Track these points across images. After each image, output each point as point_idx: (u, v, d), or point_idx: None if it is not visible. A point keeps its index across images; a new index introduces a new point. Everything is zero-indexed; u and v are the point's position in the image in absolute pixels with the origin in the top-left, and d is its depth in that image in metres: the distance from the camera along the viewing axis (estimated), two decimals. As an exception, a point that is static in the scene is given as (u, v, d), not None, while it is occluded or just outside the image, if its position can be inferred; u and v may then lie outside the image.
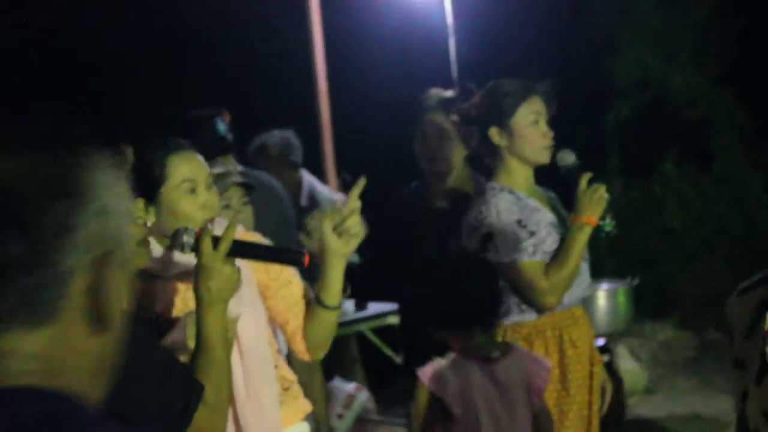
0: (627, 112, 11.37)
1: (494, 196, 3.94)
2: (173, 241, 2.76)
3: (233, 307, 2.97)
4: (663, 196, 10.84)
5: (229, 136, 5.10)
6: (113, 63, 12.30)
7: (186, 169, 3.00)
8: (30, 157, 1.20)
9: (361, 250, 6.63)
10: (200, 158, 3.07)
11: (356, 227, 2.98)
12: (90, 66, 12.40)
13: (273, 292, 3.13)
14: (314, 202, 6.28)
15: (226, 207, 3.83)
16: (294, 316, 3.13)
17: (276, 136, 6.37)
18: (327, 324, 3.10)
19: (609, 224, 3.91)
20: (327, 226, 2.96)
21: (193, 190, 2.97)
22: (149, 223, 3.00)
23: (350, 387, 6.19)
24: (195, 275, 2.63)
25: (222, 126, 5.07)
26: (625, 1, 11.26)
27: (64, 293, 1.21)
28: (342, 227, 2.97)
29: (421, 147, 4.53)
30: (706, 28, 11.23)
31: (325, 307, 3.04)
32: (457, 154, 4.49)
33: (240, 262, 3.01)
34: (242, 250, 2.70)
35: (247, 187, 3.94)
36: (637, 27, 11.29)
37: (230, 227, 2.66)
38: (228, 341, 2.77)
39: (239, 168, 5.13)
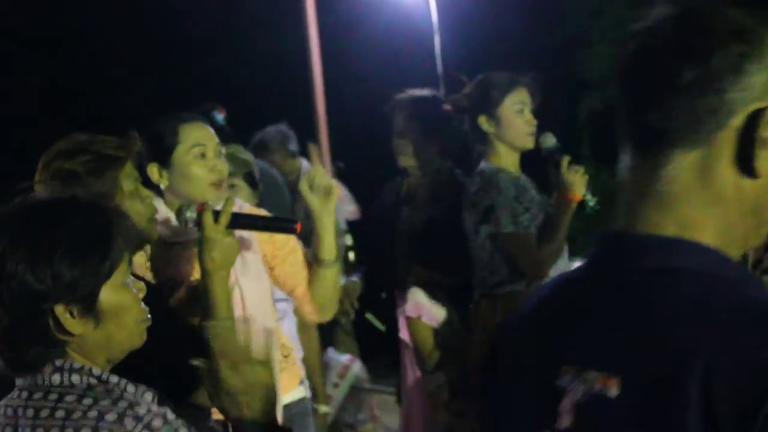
0: (597, 103, 11.41)
1: (495, 174, 4.01)
2: (177, 218, 2.81)
3: (239, 274, 3.02)
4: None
5: (228, 128, 5.10)
6: (113, 65, 12.26)
7: (196, 135, 3.06)
8: None
9: (353, 233, 6.66)
10: (209, 128, 3.12)
11: (323, 180, 3.05)
12: (92, 66, 12.36)
13: (280, 260, 3.17)
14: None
15: (232, 187, 3.85)
16: (301, 281, 3.18)
17: (271, 130, 6.38)
18: (328, 281, 3.14)
19: (592, 199, 3.98)
20: (304, 188, 3.05)
21: (203, 155, 3.04)
22: (163, 187, 3.05)
23: (344, 358, 6.21)
24: (198, 247, 2.68)
25: (219, 117, 5.08)
26: (596, 3, 11.29)
27: (727, 124, 1.26)
28: (314, 184, 3.03)
29: (401, 147, 4.51)
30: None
31: (322, 263, 3.07)
32: (433, 150, 4.48)
33: (246, 234, 3.06)
34: (240, 221, 2.76)
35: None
36: (608, 26, 11.33)
37: (228, 202, 2.72)
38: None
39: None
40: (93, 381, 1.78)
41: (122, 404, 1.75)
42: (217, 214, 2.69)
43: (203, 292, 2.69)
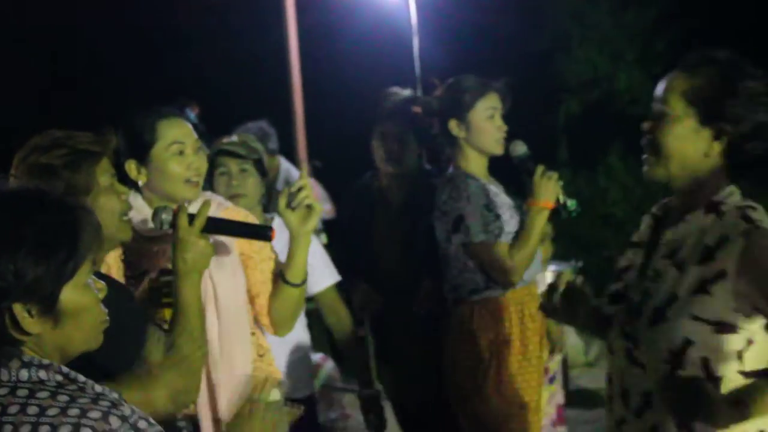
0: (576, 108, 11.43)
1: (463, 181, 3.97)
2: (153, 219, 2.78)
3: (213, 269, 2.99)
4: (607, 186, 10.92)
5: (200, 126, 5.09)
6: (91, 60, 12.19)
7: (175, 132, 3.03)
8: None
9: (328, 232, 6.64)
10: (188, 125, 3.08)
11: (307, 200, 2.98)
12: (77, 65, 12.29)
13: (254, 263, 3.15)
14: (289, 185, 6.28)
15: (223, 174, 3.82)
16: (265, 291, 3.14)
17: (252, 127, 6.36)
18: (290, 300, 3.09)
19: (573, 203, 3.97)
20: (281, 205, 3.00)
21: (181, 152, 3.01)
22: (141, 183, 3.03)
23: (317, 357, 6.19)
24: (173, 248, 2.65)
25: (191, 115, 5.06)
26: (578, 6, 11.31)
27: None
28: (295, 202, 2.98)
29: (381, 148, 4.48)
30: (652, 32, 11.31)
31: (288, 283, 3.05)
32: (413, 154, 4.47)
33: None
34: (215, 226, 2.73)
35: (242, 157, 3.89)
36: (588, 31, 11.36)
37: (204, 205, 2.69)
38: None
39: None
40: (60, 378, 1.73)
41: (104, 403, 1.70)
42: (192, 217, 2.67)
43: (174, 294, 2.66)
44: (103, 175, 2.62)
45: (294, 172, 6.53)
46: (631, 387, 2.50)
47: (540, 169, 3.90)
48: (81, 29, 12.11)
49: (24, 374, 1.71)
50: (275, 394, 3.30)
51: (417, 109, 4.29)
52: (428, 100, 4.20)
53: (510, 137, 4.07)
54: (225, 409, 3.01)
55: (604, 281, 4.38)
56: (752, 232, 2.38)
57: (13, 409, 1.68)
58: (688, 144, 2.46)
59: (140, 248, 3.03)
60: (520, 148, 4.03)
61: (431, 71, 6.96)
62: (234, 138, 3.99)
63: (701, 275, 2.39)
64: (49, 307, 1.73)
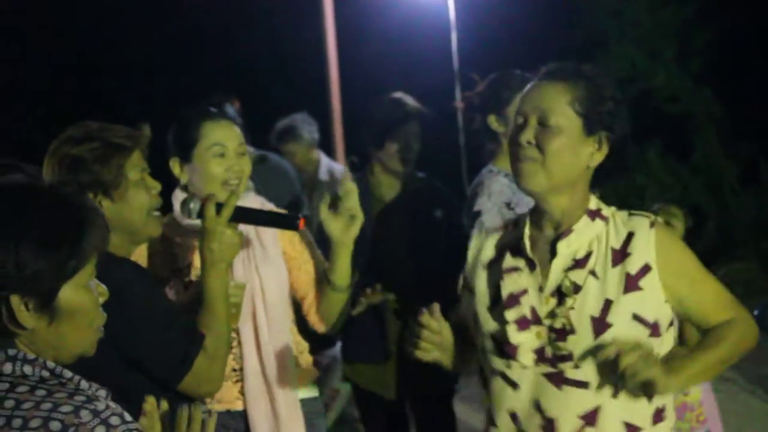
0: (614, 105, 11.36)
1: (490, 178, 3.96)
2: (182, 209, 2.80)
3: (259, 262, 3.02)
4: (644, 183, 10.85)
5: (239, 120, 5.12)
6: (130, 55, 12.26)
7: (218, 134, 3.05)
8: None
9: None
10: (235, 128, 3.10)
11: (353, 209, 2.98)
12: (116, 62, 12.37)
13: (298, 265, 3.17)
14: (334, 177, 6.36)
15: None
16: (310, 291, 3.17)
17: (299, 117, 6.48)
18: (337, 303, 3.14)
19: None
20: (323, 210, 2.99)
21: (222, 155, 3.03)
22: (183, 182, 3.05)
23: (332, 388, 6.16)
24: (200, 238, 2.66)
25: (231, 109, 5.09)
26: (616, 3, 11.25)
27: None
28: (341, 209, 2.98)
29: (398, 149, 4.51)
30: (690, 30, 11.22)
31: (334, 286, 3.07)
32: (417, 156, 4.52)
33: (268, 231, 3.05)
34: (243, 215, 2.74)
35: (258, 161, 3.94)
36: (626, 28, 11.29)
37: (232, 195, 2.69)
38: (235, 304, 2.81)
39: (251, 150, 5.14)
40: (45, 374, 1.71)
41: (79, 398, 1.69)
42: (220, 207, 2.67)
43: (201, 283, 2.67)
44: (133, 169, 2.63)
45: (336, 167, 6.57)
46: (562, 414, 2.38)
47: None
48: (127, 24, 12.20)
49: (8, 368, 1.71)
50: (312, 391, 3.32)
51: (459, 104, 4.31)
52: (469, 95, 4.22)
53: None
54: (282, 403, 3.03)
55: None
56: (657, 224, 2.45)
57: None
58: (574, 154, 2.42)
59: (184, 242, 3.07)
60: None
61: (469, 68, 6.95)
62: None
63: (625, 273, 2.39)
64: (46, 302, 1.71)
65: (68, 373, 1.73)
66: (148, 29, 12.20)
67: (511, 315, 2.42)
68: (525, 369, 2.41)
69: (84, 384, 1.73)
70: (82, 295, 1.75)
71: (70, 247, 1.71)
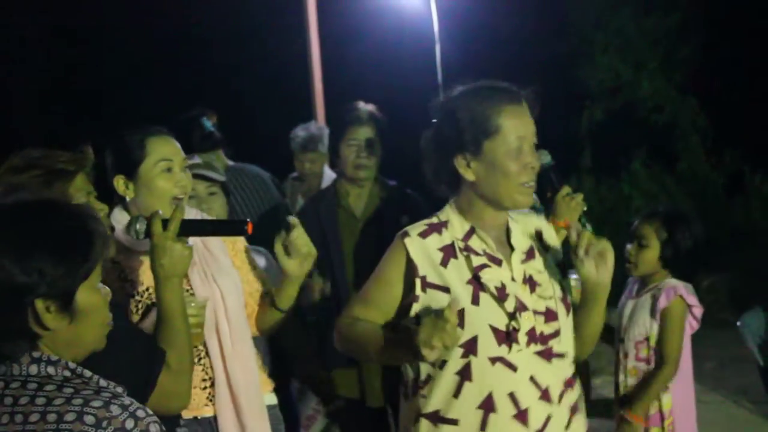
0: (599, 115, 11.41)
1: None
2: (127, 230, 2.78)
3: (215, 274, 3.02)
4: (630, 192, 10.88)
5: (217, 133, 5.11)
6: (115, 66, 12.25)
7: (164, 150, 3.06)
8: None
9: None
10: (176, 143, 3.11)
11: (305, 247, 3.00)
12: (100, 73, 12.35)
13: (243, 273, 3.18)
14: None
15: (192, 197, 3.83)
16: (251, 302, 3.20)
17: (318, 126, 6.49)
18: (277, 321, 3.18)
19: (588, 229, 3.92)
20: (279, 252, 3.01)
21: (169, 170, 3.04)
22: (128, 199, 3.04)
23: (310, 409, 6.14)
24: (150, 255, 2.63)
25: (208, 123, 5.09)
26: (601, 13, 11.29)
27: None
28: (291, 247, 3.01)
29: (351, 155, 4.52)
30: (674, 41, 11.27)
31: (276, 309, 3.13)
32: (378, 162, 4.50)
33: (217, 241, 3.06)
34: (190, 228, 2.72)
35: (211, 180, 3.93)
36: (610, 38, 11.33)
37: (176, 209, 2.68)
38: (197, 324, 2.82)
39: (229, 163, 5.13)
40: (68, 373, 1.85)
41: (105, 394, 1.83)
42: (166, 222, 2.65)
43: (156, 300, 2.65)
44: (77, 193, 2.62)
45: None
46: (552, 382, 2.64)
47: (566, 189, 3.87)
48: (105, 37, 12.17)
49: (34, 369, 1.85)
50: (272, 398, 3.35)
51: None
52: (443, 100, 4.21)
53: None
54: (246, 409, 3.05)
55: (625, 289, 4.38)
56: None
57: (23, 400, 1.82)
58: None
59: (134, 264, 3.05)
60: (544, 157, 4.01)
61: (453, 78, 6.95)
62: (199, 161, 4.01)
63: (556, 261, 2.77)
64: (66, 304, 1.88)
65: (88, 373, 1.88)
66: (135, 41, 12.19)
67: (509, 305, 2.61)
68: (520, 351, 2.60)
69: (103, 382, 1.88)
70: (95, 294, 1.93)
71: (82, 253, 1.88)
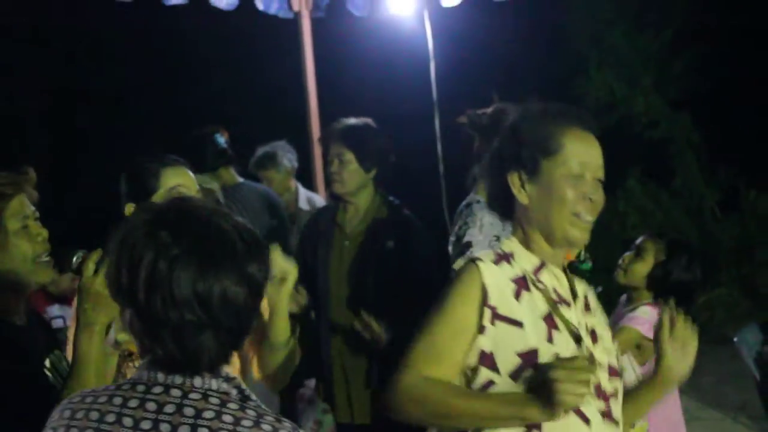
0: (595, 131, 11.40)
1: (481, 210, 3.95)
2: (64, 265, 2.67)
3: None
4: (626, 210, 10.88)
5: (230, 150, 5.13)
6: (114, 87, 12.25)
7: (177, 180, 3.06)
8: None
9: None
10: (191, 173, 3.11)
11: (280, 268, 2.88)
12: (101, 94, 12.36)
13: None
14: (313, 205, 6.36)
15: None
16: (248, 342, 3.15)
17: (280, 144, 6.51)
18: (276, 359, 3.05)
19: (587, 265, 3.91)
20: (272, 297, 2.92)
21: None
22: None
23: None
24: (77, 296, 2.49)
25: (222, 139, 5.11)
26: (594, 30, 11.31)
27: None
28: (272, 279, 2.93)
29: (327, 171, 4.56)
30: (667, 57, 11.30)
31: (273, 345, 3.01)
32: (354, 178, 4.47)
33: None
34: None
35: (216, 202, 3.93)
36: (605, 55, 11.35)
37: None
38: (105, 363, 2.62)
39: (239, 179, 5.13)
40: (237, 393, 1.82)
41: (287, 423, 1.80)
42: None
43: (73, 343, 2.47)
44: (13, 217, 2.56)
45: (315, 197, 6.58)
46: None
47: None
48: (103, 59, 12.18)
49: (215, 383, 1.81)
50: None
51: (463, 119, 4.26)
52: (479, 114, 4.17)
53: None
54: None
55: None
56: None
57: (208, 414, 1.77)
58: None
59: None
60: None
61: (448, 97, 6.96)
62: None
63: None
64: None
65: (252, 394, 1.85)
66: (131, 61, 12.19)
67: (585, 349, 2.36)
68: (590, 405, 2.31)
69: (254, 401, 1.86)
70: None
71: None
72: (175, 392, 1.78)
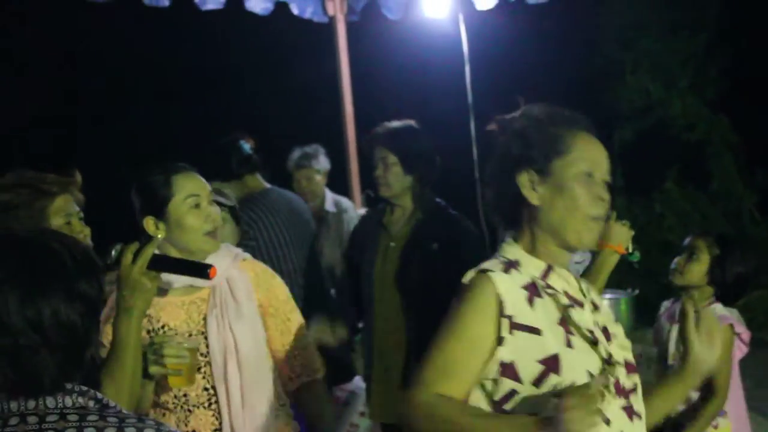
0: (630, 135, 11.35)
1: None
2: (107, 255, 2.76)
3: (232, 320, 3.00)
4: (662, 212, 10.82)
5: (255, 156, 5.15)
6: (149, 90, 12.35)
7: (190, 186, 3.08)
8: None
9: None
10: (200, 178, 3.12)
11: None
12: (128, 91, 12.46)
13: (272, 319, 3.16)
14: (341, 208, 6.40)
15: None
16: (281, 350, 3.17)
17: (315, 146, 6.57)
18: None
19: (636, 255, 3.90)
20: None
21: (197, 205, 3.05)
22: (160, 236, 3.04)
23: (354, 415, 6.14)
24: (117, 284, 2.64)
25: (247, 146, 5.12)
26: (628, 33, 11.26)
27: None
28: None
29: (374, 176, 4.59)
30: (703, 59, 11.23)
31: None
32: (399, 180, 4.49)
33: (244, 281, 3.04)
34: (158, 263, 2.67)
35: (221, 206, 3.95)
36: (639, 57, 11.30)
37: (147, 244, 2.66)
38: (186, 366, 2.80)
39: (267, 185, 5.15)
40: (95, 404, 1.80)
41: (150, 422, 1.81)
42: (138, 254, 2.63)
43: (113, 328, 2.64)
44: (57, 215, 2.70)
45: (343, 200, 6.60)
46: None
47: (614, 214, 3.82)
48: (140, 65, 12.28)
49: (69, 401, 1.79)
50: None
51: (493, 127, 4.27)
52: (509, 118, 4.18)
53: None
54: None
55: (659, 309, 4.35)
56: None
57: None
58: None
59: (159, 301, 3.06)
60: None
61: (483, 100, 6.95)
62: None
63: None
64: None
65: (112, 401, 1.84)
66: (167, 66, 12.28)
67: (602, 350, 2.35)
68: (610, 403, 2.30)
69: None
70: None
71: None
72: (32, 419, 1.76)
